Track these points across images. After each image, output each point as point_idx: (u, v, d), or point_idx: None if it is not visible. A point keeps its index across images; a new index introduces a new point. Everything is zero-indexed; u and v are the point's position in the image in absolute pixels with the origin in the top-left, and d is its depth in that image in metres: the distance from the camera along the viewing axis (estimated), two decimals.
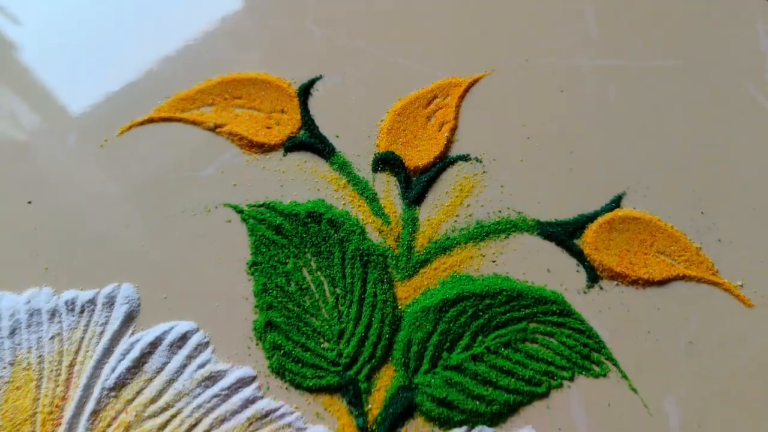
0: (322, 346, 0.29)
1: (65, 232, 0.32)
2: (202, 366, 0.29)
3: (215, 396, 0.28)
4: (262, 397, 0.28)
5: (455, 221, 0.31)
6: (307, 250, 0.31)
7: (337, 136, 0.34)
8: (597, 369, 0.28)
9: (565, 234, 0.30)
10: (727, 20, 0.38)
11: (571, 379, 0.28)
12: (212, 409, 0.28)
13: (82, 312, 0.30)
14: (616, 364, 0.28)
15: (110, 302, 0.30)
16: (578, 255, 0.30)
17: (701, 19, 0.38)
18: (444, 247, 0.30)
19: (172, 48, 0.38)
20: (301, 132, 0.34)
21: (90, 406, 0.28)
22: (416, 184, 0.32)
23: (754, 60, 0.35)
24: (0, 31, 0.40)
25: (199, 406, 0.28)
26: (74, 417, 0.28)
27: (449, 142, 0.33)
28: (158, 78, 0.36)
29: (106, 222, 0.32)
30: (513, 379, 0.28)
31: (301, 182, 0.32)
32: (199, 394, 0.28)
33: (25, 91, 0.37)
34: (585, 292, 0.29)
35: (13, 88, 0.37)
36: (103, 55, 0.38)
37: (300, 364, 0.28)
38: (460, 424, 0.27)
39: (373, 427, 0.27)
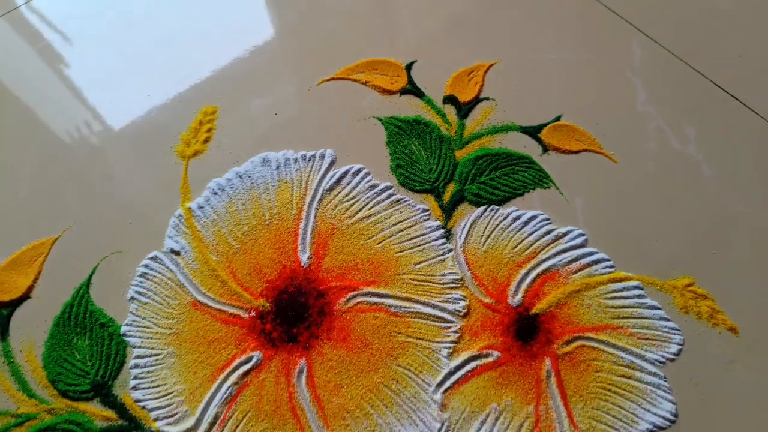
0: (422, 174, 0.62)
1: (296, 125, 0.66)
2: (368, 181, 0.62)
3: (376, 193, 0.61)
4: (395, 193, 0.61)
5: (482, 125, 0.65)
6: (413, 135, 0.64)
7: (425, 88, 0.68)
8: (545, 184, 0.61)
9: (533, 131, 0.64)
10: (619, 36, 0.72)
11: (534, 189, 0.61)
12: (373, 197, 0.61)
13: (309, 160, 0.64)
14: (553, 182, 0.61)
15: (322, 156, 0.64)
16: (538, 139, 0.63)
17: (606, 35, 0.72)
18: (477, 136, 0.64)
19: (337, 44, 0.73)
20: (408, 85, 0.68)
21: (318, 196, 0.61)
22: (464, 109, 0.66)
23: (629, 56, 0.70)
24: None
25: (368, 198, 0.61)
26: (311, 202, 0.61)
27: (479, 92, 0.67)
28: (333, 58, 0.71)
29: (313, 123, 0.66)
30: (507, 187, 0.60)
31: (409, 108, 0.66)
32: (367, 193, 0.61)
33: (262, 71, 0.71)
34: (540, 155, 0.62)
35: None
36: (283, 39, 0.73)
37: (412, 180, 0.61)
38: (483, 204, 0.60)
39: (445, 204, 0.60)
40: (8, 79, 0.73)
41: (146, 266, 0.58)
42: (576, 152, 0.63)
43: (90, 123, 0.68)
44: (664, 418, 0.49)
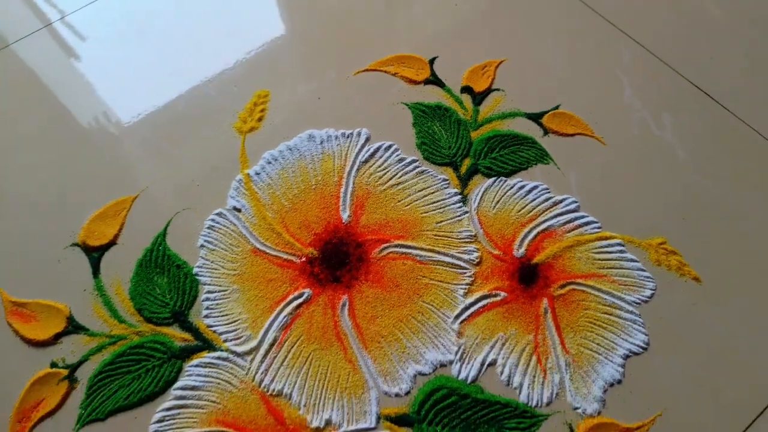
0: (442, 150, 0.73)
1: (337, 108, 0.77)
2: (398, 155, 0.73)
3: (404, 165, 0.72)
4: (420, 166, 0.72)
5: (493, 111, 0.76)
6: (435, 118, 0.76)
7: (445, 79, 0.79)
8: (545, 161, 0.72)
9: (536, 117, 0.76)
10: (610, 40, 0.84)
11: (536, 164, 0.72)
12: (402, 168, 0.72)
13: (348, 137, 0.75)
14: (552, 159, 0.72)
15: (359, 134, 0.75)
16: (540, 124, 0.75)
17: (599, 38, 0.84)
18: (489, 120, 0.75)
19: (370, 41, 0.84)
20: (431, 77, 0.79)
21: (355, 166, 0.72)
22: (478, 98, 0.77)
23: (618, 57, 0.81)
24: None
25: (397, 169, 0.72)
26: (350, 171, 0.72)
27: (491, 83, 0.79)
28: (367, 53, 0.82)
29: (351, 106, 0.77)
30: (514, 162, 0.72)
31: (432, 95, 0.78)
32: (396, 165, 0.72)
33: (301, 65, 0.83)
34: (542, 137, 0.74)
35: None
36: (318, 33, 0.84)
37: (434, 155, 0.73)
38: (493, 175, 0.71)
39: (462, 175, 0.71)
40: (62, 78, 0.84)
41: (213, 220, 0.69)
42: (571, 135, 0.74)
43: (157, 104, 0.79)
44: (638, 346, 0.60)
